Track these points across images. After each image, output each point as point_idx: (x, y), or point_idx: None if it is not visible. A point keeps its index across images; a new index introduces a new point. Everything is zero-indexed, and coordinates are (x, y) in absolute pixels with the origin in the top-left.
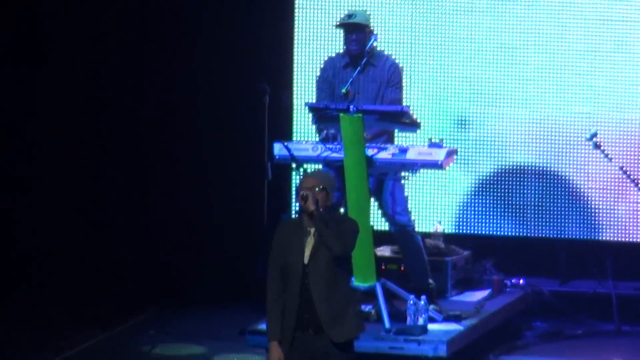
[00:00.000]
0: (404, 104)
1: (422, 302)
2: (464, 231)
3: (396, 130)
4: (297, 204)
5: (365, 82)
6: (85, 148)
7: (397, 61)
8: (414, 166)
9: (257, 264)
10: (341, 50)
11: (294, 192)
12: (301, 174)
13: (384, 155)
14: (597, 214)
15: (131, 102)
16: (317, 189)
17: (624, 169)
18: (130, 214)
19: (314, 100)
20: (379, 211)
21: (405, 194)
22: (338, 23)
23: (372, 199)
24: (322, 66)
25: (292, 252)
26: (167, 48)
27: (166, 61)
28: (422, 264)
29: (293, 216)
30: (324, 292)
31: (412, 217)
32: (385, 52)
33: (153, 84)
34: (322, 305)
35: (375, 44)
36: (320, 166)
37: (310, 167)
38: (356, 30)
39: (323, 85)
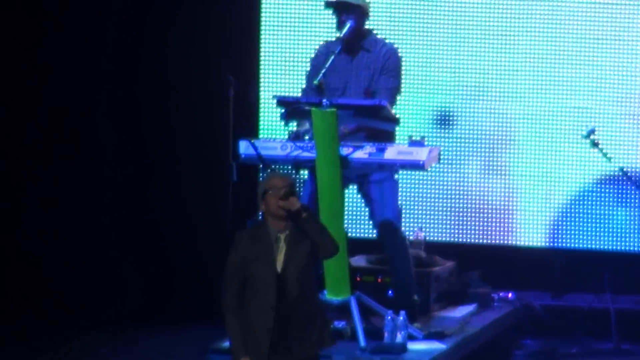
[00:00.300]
0: (401, 93)
1: (401, 318)
2: (448, 239)
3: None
4: (264, 207)
5: (358, 69)
6: (35, 144)
7: (396, 48)
8: (392, 166)
9: (219, 274)
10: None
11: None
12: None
13: (360, 154)
14: (594, 221)
15: (88, 94)
16: (290, 189)
17: (625, 169)
18: (84, 221)
19: (303, 90)
20: (354, 217)
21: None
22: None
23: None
24: (315, 52)
25: (260, 263)
26: (124, 36)
27: (123, 50)
28: (408, 279)
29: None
30: (297, 305)
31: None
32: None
33: (112, 74)
34: (296, 319)
35: (363, 29)
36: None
37: (280, 168)
38: (347, 10)
39: (312, 74)
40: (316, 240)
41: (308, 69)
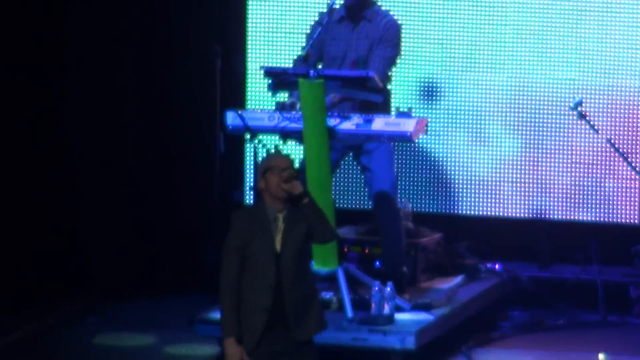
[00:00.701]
0: (397, 62)
1: (389, 289)
2: (435, 211)
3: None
4: (264, 185)
5: (359, 39)
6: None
7: (397, 20)
8: (380, 138)
9: (207, 247)
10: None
11: (248, 167)
12: (258, 147)
13: (347, 125)
14: (581, 192)
15: (74, 64)
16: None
17: (612, 141)
18: (68, 192)
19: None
20: (342, 188)
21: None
22: None
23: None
24: (316, 18)
25: (258, 241)
26: (109, 8)
27: (107, 22)
28: (399, 250)
29: (247, 193)
30: (293, 286)
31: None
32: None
33: (96, 46)
34: (292, 299)
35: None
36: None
37: (267, 139)
38: None
39: (310, 42)
40: (316, 226)
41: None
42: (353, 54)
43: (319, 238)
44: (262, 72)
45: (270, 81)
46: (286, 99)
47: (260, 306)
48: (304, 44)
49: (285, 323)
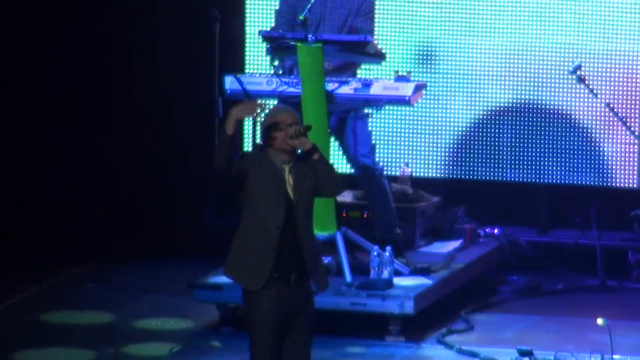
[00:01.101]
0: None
1: (387, 254)
2: (434, 175)
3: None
4: (269, 141)
5: (333, 7)
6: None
7: None
8: (378, 102)
9: (205, 212)
10: None
11: (246, 131)
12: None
13: (346, 90)
14: (580, 157)
15: (73, 30)
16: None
17: (611, 105)
18: (67, 157)
19: (273, 27)
20: (340, 153)
21: (370, 133)
22: None
23: (332, 139)
24: None
25: (269, 181)
26: None
27: None
28: (388, 212)
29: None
30: (306, 234)
31: (379, 160)
32: None
33: (98, 10)
34: (307, 244)
35: None
36: (276, 102)
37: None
38: None
39: (283, 9)
40: (325, 181)
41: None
42: (328, 23)
43: (327, 191)
44: (260, 36)
45: (268, 46)
46: (284, 63)
47: (269, 246)
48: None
49: (301, 268)
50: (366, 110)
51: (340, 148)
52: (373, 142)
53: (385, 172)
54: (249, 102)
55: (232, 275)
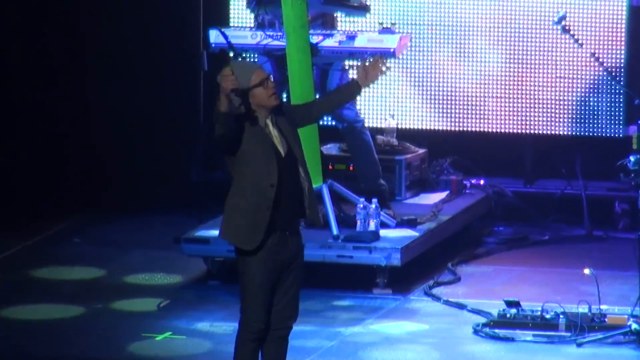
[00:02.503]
0: None
1: (374, 206)
2: (419, 126)
3: (342, 15)
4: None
5: None
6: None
7: None
8: (363, 54)
9: (191, 167)
10: None
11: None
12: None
13: (330, 42)
14: (565, 107)
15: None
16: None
17: (596, 55)
18: (53, 113)
19: None
20: None
21: None
22: None
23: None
24: None
25: (258, 143)
26: None
27: None
28: (372, 164)
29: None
30: (303, 185)
31: (361, 112)
32: None
33: None
34: (307, 191)
35: None
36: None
37: (250, 56)
38: None
39: None
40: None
41: None
42: None
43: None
44: None
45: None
46: (265, 17)
47: (264, 204)
48: None
49: (296, 222)
50: (350, 63)
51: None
52: None
53: (371, 124)
54: (223, 73)
55: (227, 237)
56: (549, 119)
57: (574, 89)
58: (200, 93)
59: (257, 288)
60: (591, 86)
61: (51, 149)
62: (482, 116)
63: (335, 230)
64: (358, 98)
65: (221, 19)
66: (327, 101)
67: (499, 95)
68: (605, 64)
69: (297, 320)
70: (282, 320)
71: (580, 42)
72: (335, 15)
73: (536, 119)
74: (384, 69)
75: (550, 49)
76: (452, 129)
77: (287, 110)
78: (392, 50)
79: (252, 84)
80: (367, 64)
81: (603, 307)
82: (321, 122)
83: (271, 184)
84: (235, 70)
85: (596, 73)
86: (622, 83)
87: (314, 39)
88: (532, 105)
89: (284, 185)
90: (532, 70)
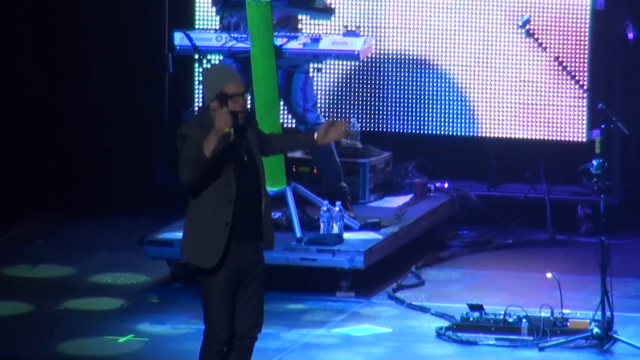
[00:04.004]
0: None
1: (337, 209)
2: (383, 129)
3: (307, 17)
4: (212, 108)
5: None
6: None
7: None
8: (327, 57)
9: (157, 167)
10: None
11: (197, 87)
12: (204, 66)
13: (295, 45)
14: (529, 111)
15: None
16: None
17: (560, 59)
18: (17, 113)
19: None
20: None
21: (315, 89)
22: None
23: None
24: None
25: (219, 155)
26: None
27: None
28: (333, 166)
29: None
30: (264, 195)
31: (323, 115)
32: None
33: None
34: (265, 208)
35: None
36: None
37: (215, 59)
38: None
39: None
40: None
41: None
42: None
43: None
44: None
45: (217, 3)
46: (231, 19)
47: (222, 221)
48: None
49: (255, 235)
50: (312, 66)
51: (285, 102)
52: (316, 97)
53: None
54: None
55: (186, 254)
56: (512, 123)
57: (538, 93)
58: (165, 95)
59: (217, 298)
60: (555, 90)
61: (15, 150)
62: (446, 120)
63: (298, 233)
64: (320, 100)
65: (186, 21)
66: (282, 144)
67: (463, 98)
68: (568, 68)
69: (261, 330)
70: (247, 330)
71: (544, 46)
72: (299, 18)
73: (500, 122)
74: (344, 134)
75: (514, 52)
76: (417, 132)
77: (253, 123)
78: (356, 52)
79: (221, 91)
80: (332, 122)
81: (565, 311)
82: (285, 125)
83: (230, 200)
84: (213, 68)
85: (560, 77)
86: (585, 87)
87: (279, 42)
88: (496, 109)
89: (243, 198)
90: (496, 74)
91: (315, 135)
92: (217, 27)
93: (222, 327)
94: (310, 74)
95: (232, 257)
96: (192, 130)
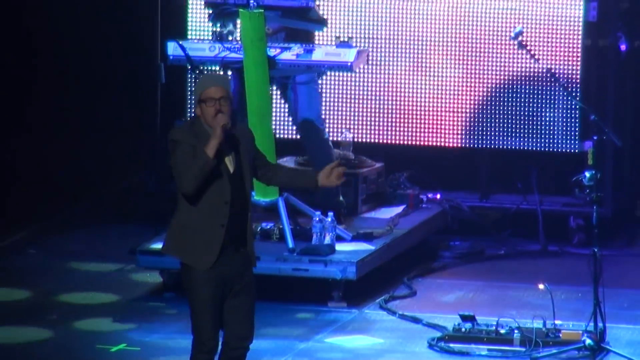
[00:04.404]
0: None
1: (329, 220)
2: (376, 140)
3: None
4: (200, 113)
5: None
6: None
7: None
8: (320, 68)
9: (148, 177)
10: None
11: (189, 97)
12: (199, 75)
13: (288, 55)
14: (522, 122)
15: None
16: (225, 100)
17: (552, 70)
18: (6, 124)
19: None
20: (283, 118)
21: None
22: None
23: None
24: None
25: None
26: None
27: None
28: None
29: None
30: (247, 203)
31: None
32: None
33: None
34: (248, 217)
35: None
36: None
37: (208, 69)
38: None
39: None
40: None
41: None
42: None
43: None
44: (202, 2)
45: (210, 13)
46: (223, 29)
47: (218, 222)
48: None
49: (244, 241)
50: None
51: (291, 115)
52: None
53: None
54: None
55: (176, 253)
56: (505, 134)
57: (530, 104)
58: (158, 105)
59: (203, 304)
60: (547, 101)
61: (7, 159)
62: (438, 130)
63: (290, 244)
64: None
65: (179, 32)
66: (286, 177)
67: (455, 109)
68: (561, 80)
69: (252, 341)
70: (238, 340)
71: (536, 57)
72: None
73: (492, 133)
74: (339, 180)
75: (506, 64)
76: (409, 143)
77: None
78: (349, 64)
79: (200, 97)
80: (336, 167)
81: (557, 322)
82: (278, 135)
83: (225, 201)
84: (197, 82)
85: (552, 88)
86: (577, 98)
87: (272, 52)
88: (488, 120)
89: (236, 202)
90: (489, 85)
91: (318, 178)
92: (209, 38)
93: (209, 338)
94: (316, 82)
95: (221, 263)
96: (182, 136)
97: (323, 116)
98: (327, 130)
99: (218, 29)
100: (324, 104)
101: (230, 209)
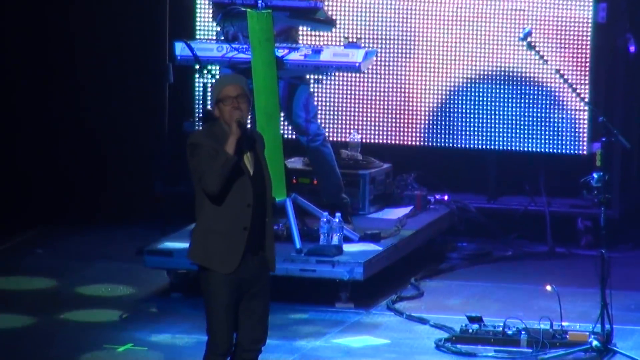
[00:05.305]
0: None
1: (337, 220)
2: (384, 141)
3: (307, 29)
4: (218, 114)
5: None
6: None
7: None
8: (328, 69)
9: (155, 179)
10: None
11: (197, 97)
12: (206, 75)
13: (296, 56)
14: (530, 123)
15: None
16: (242, 97)
17: (561, 72)
18: (14, 125)
19: None
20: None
21: (315, 101)
22: None
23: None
24: None
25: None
26: None
27: None
28: (333, 178)
29: (197, 124)
30: (269, 206)
31: (323, 126)
32: None
33: None
34: (269, 220)
35: None
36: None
37: (216, 69)
38: None
39: None
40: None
41: None
42: None
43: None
44: (210, 3)
45: (218, 14)
46: (230, 29)
47: (241, 225)
48: None
49: (262, 244)
50: (315, 77)
51: (285, 114)
52: (317, 108)
53: (335, 139)
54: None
55: (200, 260)
56: (513, 136)
57: (539, 106)
58: (166, 105)
59: (220, 306)
60: (556, 103)
61: (15, 159)
62: (446, 132)
63: (298, 244)
64: (320, 112)
65: (187, 32)
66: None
67: (463, 111)
68: (570, 81)
69: (265, 343)
70: (251, 343)
71: (545, 58)
72: (298, 29)
73: (500, 135)
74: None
75: (515, 65)
76: (417, 144)
77: (260, 139)
78: (357, 64)
79: (217, 97)
80: None
81: (564, 323)
82: (285, 136)
83: (247, 204)
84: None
85: (561, 90)
86: (586, 100)
87: (280, 53)
88: (496, 122)
89: (257, 205)
90: (497, 87)
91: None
92: (215, 38)
93: (223, 340)
94: (311, 88)
95: (241, 266)
96: (202, 139)
97: (329, 117)
98: (326, 134)
99: (219, 30)
100: (332, 105)
101: (252, 212)
